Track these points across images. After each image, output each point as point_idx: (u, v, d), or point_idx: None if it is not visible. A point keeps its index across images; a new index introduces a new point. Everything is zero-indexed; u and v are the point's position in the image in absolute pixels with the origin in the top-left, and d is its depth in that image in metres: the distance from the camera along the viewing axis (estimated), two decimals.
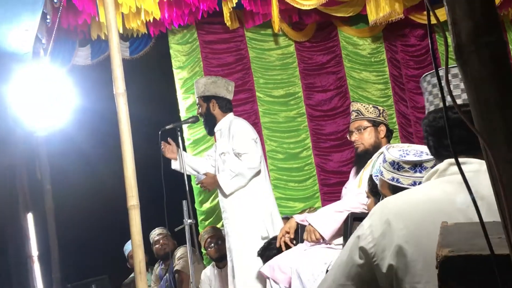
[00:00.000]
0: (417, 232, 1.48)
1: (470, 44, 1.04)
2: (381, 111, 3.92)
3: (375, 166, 2.79)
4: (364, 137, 3.86)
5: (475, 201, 1.06)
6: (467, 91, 1.06)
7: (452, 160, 1.62)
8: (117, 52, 3.45)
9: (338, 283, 1.63)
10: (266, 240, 4.48)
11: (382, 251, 1.55)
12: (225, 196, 4.76)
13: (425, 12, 6.85)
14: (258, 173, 4.76)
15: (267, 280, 3.77)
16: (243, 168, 4.65)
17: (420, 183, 2.26)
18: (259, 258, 4.49)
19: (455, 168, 1.58)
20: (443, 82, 1.17)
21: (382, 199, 2.53)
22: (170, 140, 5.00)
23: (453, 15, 1.06)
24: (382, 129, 3.87)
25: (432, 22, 1.14)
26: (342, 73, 7.11)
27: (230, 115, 4.95)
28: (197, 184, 5.22)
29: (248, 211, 4.71)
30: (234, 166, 4.67)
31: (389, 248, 1.54)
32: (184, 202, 4.65)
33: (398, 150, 2.37)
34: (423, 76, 1.79)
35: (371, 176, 2.84)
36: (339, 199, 4.03)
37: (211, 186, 4.90)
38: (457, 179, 1.49)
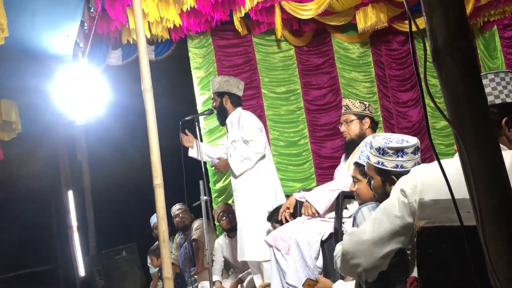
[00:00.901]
0: (441, 192, 1.53)
1: (445, 48, 1.04)
2: (366, 105, 3.90)
3: (361, 153, 2.79)
4: (350, 128, 3.85)
5: (447, 179, 1.07)
6: (442, 88, 1.06)
7: None
8: (145, 54, 3.44)
9: (397, 215, 1.79)
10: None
11: (414, 195, 1.74)
12: (236, 177, 4.76)
13: (406, 21, 6.84)
14: (264, 157, 4.76)
15: (271, 248, 3.78)
16: (250, 153, 4.65)
17: (402, 166, 2.26)
18: (263, 230, 4.53)
19: None
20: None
21: (368, 180, 2.53)
22: (187, 131, 5.00)
23: (431, 24, 1.06)
24: (367, 121, 3.85)
25: (413, 30, 1.15)
26: (334, 73, 7.09)
27: (239, 108, 4.94)
28: (211, 167, 5.23)
29: (255, 189, 4.71)
30: (242, 151, 4.67)
31: (420, 196, 1.70)
32: (201, 182, 4.65)
33: (382, 138, 2.36)
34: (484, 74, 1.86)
35: (356, 162, 2.82)
36: (332, 180, 4.04)
37: (224, 168, 4.95)
38: None
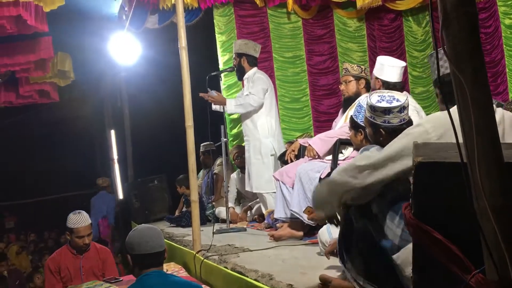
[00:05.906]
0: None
1: (453, 12, 1.02)
2: (363, 69, 3.84)
3: (355, 109, 2.75)
4: (348, 88, 3.80)
5: (453, 124, 1.05)
6: (447, 46, 1.04)
7: None
8: (182, 17, 3.38)
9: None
10: (278, 154, 4.59)
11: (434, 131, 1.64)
12: (247, 125, 4.78)
13: (397, 1, 6.67)
14: (271, 111, 4.76)
15: (277, 182, 3.81)
16: (247, 103, 4.63)
17: (388, 121, 2.23)
18: (269, 167, 4.57)
19: None
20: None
21: (364, 130, 2.51)
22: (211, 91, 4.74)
23: None
24: (362, 82, 3.79)
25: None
26: (334, 43, 6.95)
27: (255, 68, 4.88)
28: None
29: (261, 136, 4.73)
30: (242, 100, 4.66)
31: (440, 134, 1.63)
32: (222, 126, 4.66)
33: (377, 96, 2.31)
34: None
35: (351, 116, 2.78)
36: (327, 131, 4.02)
37: (217, 103, 4.68)
38: None
